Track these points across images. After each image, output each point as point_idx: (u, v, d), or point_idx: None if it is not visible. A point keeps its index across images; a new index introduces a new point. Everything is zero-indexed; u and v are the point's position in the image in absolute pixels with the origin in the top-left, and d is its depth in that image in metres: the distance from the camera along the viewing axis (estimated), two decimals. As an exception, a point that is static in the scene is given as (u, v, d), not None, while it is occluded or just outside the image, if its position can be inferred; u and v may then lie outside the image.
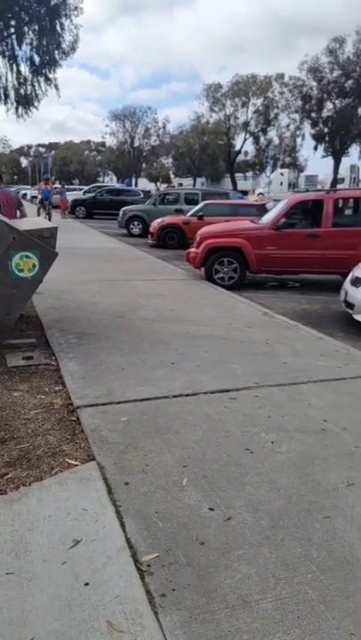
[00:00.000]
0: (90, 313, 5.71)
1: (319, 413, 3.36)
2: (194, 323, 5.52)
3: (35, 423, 3.12)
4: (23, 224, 4.72)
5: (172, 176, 70.10)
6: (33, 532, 2.11)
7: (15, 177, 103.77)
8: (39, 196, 22.07)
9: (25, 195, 47.49)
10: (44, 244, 4.34)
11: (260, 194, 45.12)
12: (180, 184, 57.74)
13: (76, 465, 2.64)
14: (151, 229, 14.16)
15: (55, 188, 25.90)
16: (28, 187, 53.10)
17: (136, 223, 16.61)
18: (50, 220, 18.69)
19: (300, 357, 4.53)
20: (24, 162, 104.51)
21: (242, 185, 56.22)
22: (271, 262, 8.24)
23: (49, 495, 2.38)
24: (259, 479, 2.55)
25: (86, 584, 1.84)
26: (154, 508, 2.28)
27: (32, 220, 5.31)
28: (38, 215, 19.02)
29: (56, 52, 25.66)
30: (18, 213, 6.55)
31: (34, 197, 38.50)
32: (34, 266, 4.31)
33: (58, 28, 25.21)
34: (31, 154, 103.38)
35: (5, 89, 27.13)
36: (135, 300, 6.49)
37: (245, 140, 55.15)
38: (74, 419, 3.18)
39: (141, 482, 2.48)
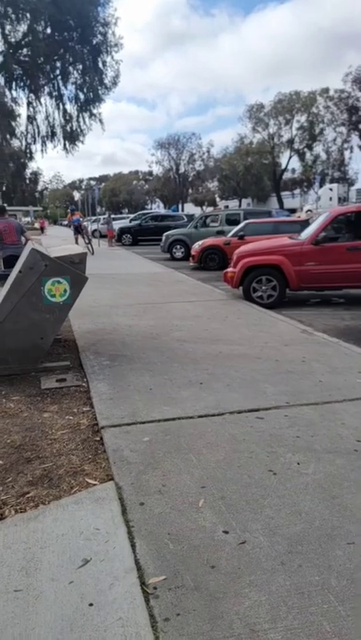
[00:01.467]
0: (124, 335, 5.79)
1: (353, 433, 3.20)
2: (228, 342, 5.47)
3: (60, 443, 3.17)
4: (55, 251, 4.90)
5: (217, 199, 70.86)
6: (45, 551, 2.12)
7: (68, 210, 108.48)
8: (71, 227, 22.22)
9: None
10: (74, 269, 4.48)
11: (309, 210, 44.58)
12: (226, 206, 58.23)
13: (95, 485, 2.65)
14: (192, 252, 14.28)
15: (103, 217, 26.85)
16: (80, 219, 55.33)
17: (178, 247, 16.82)
18: (90, 243, 19.37)
19: (338, 375, 4.36)
20: (76, 195, 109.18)
21: (290, 203, 55.88)
22: (312, 278, 8.06)
23: (65, 514, 2.39)
24: (280, 502, 2.44)
25: (91, 604, 1.82)
26: (167, 530, 2.23)
27: (63, 247, 5.50)
28: (76, 243, 19.24)
29: (99, 87, 26.95)
30: (22, 239, 7.72)
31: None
32: (65, 291, 4.45)
33: (100, 65, 26.53)
34: (83, 187, 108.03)
35: (53, 127, 28.70)
36: (170, 321, 6.52)
37: (291, 157, 55.06)
38: (98, 439, 3.21)
39: (157, 502, 2.45)
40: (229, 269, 8.56)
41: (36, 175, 74.92)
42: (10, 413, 3.67)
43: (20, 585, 1.93)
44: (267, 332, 5.98)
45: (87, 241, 19.90)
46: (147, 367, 4.58)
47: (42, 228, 46.17)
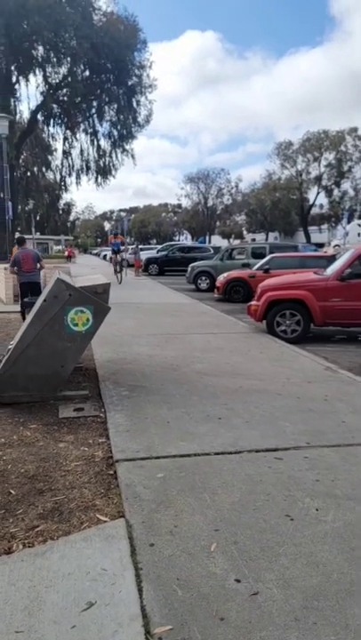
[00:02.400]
0: (145, 366, 5.77)
1: (376, 479, 3.06)
2: (249, 377, 5.38)
3: (73, 475, 3.12)
4: (80, 281, 4.98)
5: (244, 232, 71.47)
6: (49, 590, 2.06)
7: (98, 240, 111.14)
8: (110, 252, 21.60)
9: (105, 256, 50.75)
10: (97, 299, 4.52)
11: (337, 245, 44.43)
12: (253, 239, 58.60)
13: (105, 521, 2.58)
14: (217, 284, 14.32)
15: (131, 247, 27.23)
16: (109, 248, 56.64)
17: (204, 278, 16.90)
18: (121, 275, 18.95)
19: (361, 416, 4.21)
20: (107, 226, 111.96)
21: (317, 238, 55.88)
22: (337, 314, 7.93)
23: (72, 551, 2.32)
24: (296, 550, 2.32)
25: (92, 653, 1.74)
26: (176, 574, 2.14)
27: (89, 277, 5.58)
28: (115, 273, 19.15)
29: (132, 125, 28.01)
30: (38, 265, 8.89)
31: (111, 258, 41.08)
32: (87, 320, 4.49)
33: (134, 104, 27.70)
34: (113, 218, 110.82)
35: (87, 161, 29.86)
36: (191, 353, 6.48)
37: (318, 193, 55.39)
38: (111, 472, 3.15)
39: (167, 544, 2.36)
40: (253, 302, 8.52)
41: (69, 206, 77.47)
42: (26, 442, 3.66)
43: (21, 626, 1.86)
44: (289, 368, 5.87)
45: (119, 269, 19.27)
46: (165, 399, 4.53)
47: (69, 257, 47.00)
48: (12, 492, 2.92)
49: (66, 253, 49.91)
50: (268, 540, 2.40)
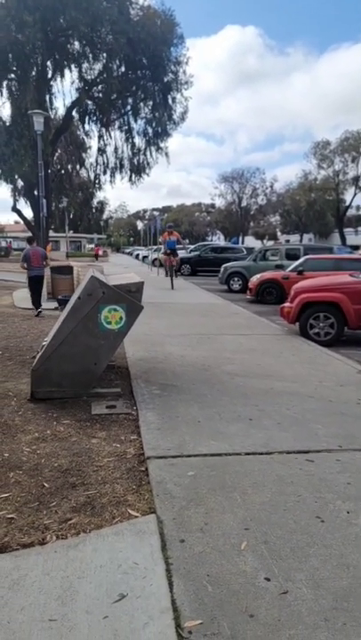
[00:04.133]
0: (176, 365, 5.81)
1: None
2: (280, 379, 5.34)
3: (105, 471, 3.19)
4: (113, 279, 5.06)
5: (278, 233, 70.67)
6: (82, 581, 2.12)
7: (131, 239, 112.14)
8: (162, 250, 17.91)
9: (138, 255, 51.02)
10: (131, 297, 4.59)
11: (373, 248, 43.35)
12: (287, 240, 57.86)
13: (136, 516, 2.63)
14: (250, 285, 14.22)
15: (189, 246, 26.87)
16: (142, 248, 57.02)
17: (236, 279, 16.82)
18: (172, 279, 15.76)
19: (396, 420, 4.13)
20: (139, 225, 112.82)
21: (352, 240, 54.63)
22: (372, 318, 7.77)
23: (104, 544, 2.38)
24: (326, 552, 2.31)
25: (123, 643, 1.78)
26: (206, 571, 2.17)
27: (123, 275, 5.67)
28: (167, 275, 16.58)
29: (167, 123, 27.95)
30: (44, 262, 10.11)
31: (145, 257, 40.99)
32: (121, 318, 4.56)
33: (170, 101, 27.55)
34: (146, 217, 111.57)
35: (121, 159, 29.98)
36: (223, 354, 6.48)
37: (355, 194, 54.13)
38: (143, 469, 3.20)
39: (198, 541, 2.39)
40: (286, 304, 8.44)
41: (102, 204, 78.30)
42: (59, 437, 3.75)
43: (55, 614, 1.93)
44: (322, 371, 5.79)
45: (170, 273, 16.30)
46: (196, 399, 4.55)
47: (96, 256, 47.13)
48: (45, 485, 3.01)
49: (94, 252, 50.34)
50: (299, 541, 2.39)
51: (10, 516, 2.67)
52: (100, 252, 50.67)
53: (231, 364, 5.90)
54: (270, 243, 60.22)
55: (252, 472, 3.11)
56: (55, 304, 10.67)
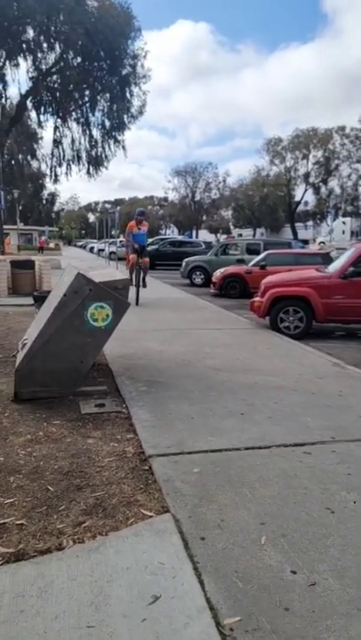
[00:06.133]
0: (157, 361, 5.80)
1: None
2: (261, 372, 5.45)
3: (108, 471, 3.14)
4: (98, 275, 4.96)
5: (231, 227, 71.60)
6: (112, 585, 2.09)
7: (83, 232, 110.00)
8: (125, 244, 12.55)
9: (92, 248, 50.01)
10: (117, 294, 4.53)
11: (322, 242, 44.88)
12: (240, 235, 58.74)
13: (151, 516, 2.62)
14: (214, 279, 14.37)
15: (120, 241, 26.92)
16: (95, 241, 56.08)
17: (198, 273, 16.96)
18: (138, 290, 10.83)
19: (377, 411, 4.31)
20: (91, 217, 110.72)
21: (302, 234, 56.27)
22: (339, 311, 8.07)
23: (126, 546, 2.35)
24: (343, 542, 2.39)
25: (167, 645, 1.78)
26: (233, 567, 2.19)
27: (106, 272, 5.57)
28: (131, 281, 9.96)
29: (125, 116, 27.72)
30: None
31: (100, 250, 40.15)
32: (107, 316, 4.49)
33: (128, 95, 27.32)
34: (98, 210, 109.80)
35: (78, 151, 29.43)
36: (201, 348, 6.52)
37: (306, 190, 55.82)
38: (146, 468, 3.18)
39: (218, 537, 2.41)
40: (256, 299, 8.60)
41: (53, 196, 76.21)
42: (53, 438, 3.66)
43: (92, 621, 1.89)
44: (298, 364, 5.95)
45: (136, 279, 11.08)
46: (184, 395, 4.56)
47: (41, 248, 45.43)
48: (50, 488, 2.93)
49: (38, 244, 48.26)
50: (315, 533, 2.46)
51: (19, 522, 2.58)
52: (47, 245, 48.65)
53: (211, 359, 5.95)
54: (224, 237, 60.89)
55: (256, 467, 3.16)
56: (21, 300, 10.36)
